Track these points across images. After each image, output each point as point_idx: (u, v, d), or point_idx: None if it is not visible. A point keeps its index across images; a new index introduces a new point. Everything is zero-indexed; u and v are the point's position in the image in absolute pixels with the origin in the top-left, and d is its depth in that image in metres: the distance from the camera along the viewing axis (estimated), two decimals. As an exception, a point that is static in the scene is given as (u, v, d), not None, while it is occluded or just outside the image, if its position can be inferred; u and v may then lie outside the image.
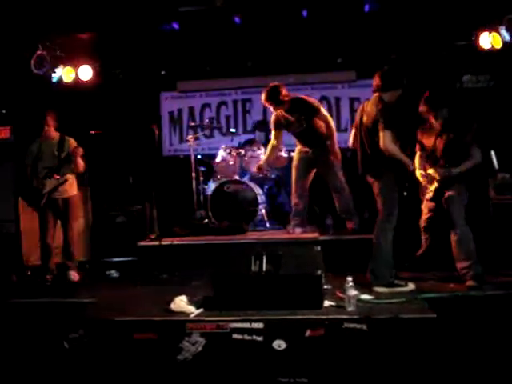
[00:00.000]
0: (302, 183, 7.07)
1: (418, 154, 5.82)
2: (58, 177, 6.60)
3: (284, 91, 6.74)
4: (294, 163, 7.16)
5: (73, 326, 4.66)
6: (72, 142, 6.80)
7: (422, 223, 5.99)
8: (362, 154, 5.57)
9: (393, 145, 5.23)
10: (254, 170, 7.60)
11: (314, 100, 7.00)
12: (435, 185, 5.56)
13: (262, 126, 8.67)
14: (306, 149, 7.00)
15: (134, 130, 8.73)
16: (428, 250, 6.04)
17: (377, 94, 5.44)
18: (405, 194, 5.63)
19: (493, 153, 6.96)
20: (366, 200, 6.39)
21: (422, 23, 7.61)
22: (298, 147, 7.16)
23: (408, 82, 5.48)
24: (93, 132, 6.91)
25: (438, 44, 7.84)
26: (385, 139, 5.22)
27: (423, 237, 6.03)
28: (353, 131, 5.85)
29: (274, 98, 6.75)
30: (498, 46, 7.21)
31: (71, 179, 6.79)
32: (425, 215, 5.93)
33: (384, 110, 5.28)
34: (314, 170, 7.06)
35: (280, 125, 7.09)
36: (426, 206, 5.90)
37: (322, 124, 6.88)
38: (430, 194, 5.68)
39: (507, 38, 7.12)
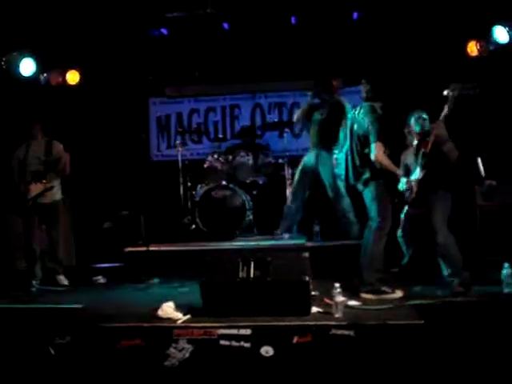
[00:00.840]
0: (301, 189, 7.13)
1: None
2: (44, 182, 6.57)
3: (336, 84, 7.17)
4: (299, 168, 7.27)
5: (59, 332, 4.62)
6: (59, 148, 6.77)
7: (400, 233, 6.02)
8: (353, 163, 5.58)
9: (384, 156, 5.25)
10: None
11: (347, 106, 7.04)
12: (415, 189, 5.55)
13: (248, 131, 8.67)
14: (314, 152, 7.04)
15: (122, 134, 8.70)
16: (413, 258, 6.07)
17: (368, 103, 5.45)
18: (396, 200, 5.64)
19: (479, 160, 7.00)
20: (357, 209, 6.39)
21: (409, 31, 7.66)
22: (308, 153, 7.28)
23: (395, 90, 5.52)
24: (81, 137, 6.83)
25: (425, 51, 7.89)
26: (376, 151, 5.23)
27: (403, 247, 6.06)
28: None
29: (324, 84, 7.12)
30: (485, 53, 7.26)
31: (57, 184, 6.76)
32: (403, 224, 5.98)
33: (376, 121, 5.30)
34: (316, 181, 7.10)
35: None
36: (405, 215, 5.95)
37: (341, 130, 6.99)
38: (412, 197, 5.67)
39: (493, 45, 7.18)
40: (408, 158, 5.89)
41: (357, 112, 5.57)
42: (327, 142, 7.07)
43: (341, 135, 7.02)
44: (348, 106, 7.05)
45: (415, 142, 5.75)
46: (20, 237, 7.02)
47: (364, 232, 5.63)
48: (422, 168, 5.46)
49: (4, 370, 4.69)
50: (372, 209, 5.42)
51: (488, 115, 7.78)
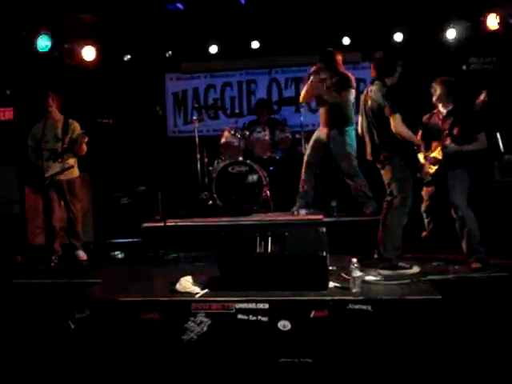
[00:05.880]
0: (313, 164, 7.09)
1: (419, 135, 5.80)
2: (61, 161, 6.62)
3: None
4: (310, 143, 7.21)
5: (78, 306, 4.67)
6: (77, 127, 6.81)
7: (423, 208, 6.01)
8: (371, 141, 5.53)
9: (404, 127, 5.22)
10: None
11: (351, 78, 6.97)
12: (436, 167, 5.53)
13: (264, 104, 8.66)
14: (325, 130, 7.00)
15: (139, 111, 8.70)
16: (432, 232, 6.05)
17: (378, 81, 5.44)
18: (418, 175, 5.59)
19: (498, 135, 6.93)
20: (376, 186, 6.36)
21: (428, 4, 7.54)
22: (319, 128, 7.18)
23: (413, 65, 5.47)
24: (101, 120, 6.80)
25: (444, 25, 7.79)
26: (395, 123, 5.19)
27: (425, 220, 6.05)
28: (360, 119, 5.82)
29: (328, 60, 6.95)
30: (505, 27, 7.14)
31: (74, 162, 6.81)
32: (425, 202, 5.96)
33: (388, 94, 5.27)
34: (328, 156, 7.07)
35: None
36: (425, 193, 5.92)
37: (348, 104, 6.91)
38: (428, 178, 5.65)
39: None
40: (432, 124, 5.80)
41: (369, 89, 5.54)
42: (337, 119, 6.96)
43: (348, 112, 6.98)
44: (352, 78, 6.97)
45: (442, 110, 5.67)
46: (39, 213, 7.09)
47: (382, 208, 5.61)
48: (442, 149, 5.44)
49: (24, 345, 4.77)
50: (393, 186, 5.39)
51: (508, 90, 7.69)
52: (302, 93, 7.26)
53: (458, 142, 5.38)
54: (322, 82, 7.03)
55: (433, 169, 5.57)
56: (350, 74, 6.99)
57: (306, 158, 7.18)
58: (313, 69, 7.06)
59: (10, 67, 7.76)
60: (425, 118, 5.88)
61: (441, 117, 5.68)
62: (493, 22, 7.21)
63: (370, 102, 5.49)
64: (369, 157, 5.60)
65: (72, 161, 6.77)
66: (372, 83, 5.56)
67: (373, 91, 5.45)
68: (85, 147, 6.75)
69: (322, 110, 7.14)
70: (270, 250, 4.73)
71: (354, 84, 6.96)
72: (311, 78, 7.03)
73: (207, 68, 9.28)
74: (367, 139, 5.59)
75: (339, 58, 6.97)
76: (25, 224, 7.57)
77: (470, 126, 5.46)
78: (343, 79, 6.90)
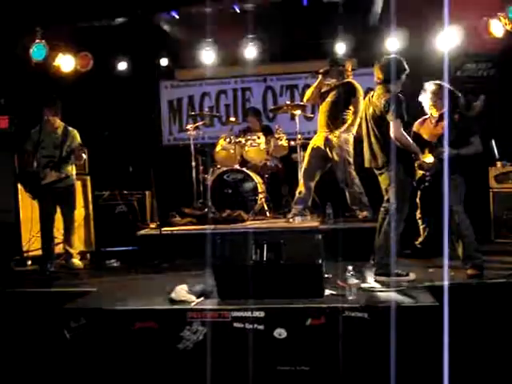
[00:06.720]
0: (311, 172, 7.10)
1: None
2: (59, 170, 6.61)
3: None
4: (308, 151, 7.23)
5: (74, 315, 4.65)
6: (76, 136, 6.80)
7: (418, 214, 6.01)
8: (369, 148, 5.52)
9: (403, 134, 5.18)
10: None
11: (359, 87, 7.04)
12: (431, 172, 5.53)
13: (254, 112, 8.69)
14: (322, 134, 7.03)
15: (134, 119, 8.69)
16: (428, 239, 6.05)
17: (381, 86, 5.41)
18: (415, 184, 5.59)
19: (493, 141, 6.95)
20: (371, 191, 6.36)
21: (423, 9, 7.55)
22: (316, 135, 7.23)
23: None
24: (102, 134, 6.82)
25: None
26: (395, 129, 5.16)
27: (421, 226, 6.05)
28: (357, 121, 5.84)
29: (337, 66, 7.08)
30: (500, 33, 7.16)
31: (71, 171, 6.80)
32: (420, 208, 5.96)
33: (391, 100, 5.21)
34: (326, 163, 7.08)
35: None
36: (420, 199, 5.92)
37: (350, 111, 6.96)
38: (424, 184, 5.66)
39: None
40: (425, 130, 5.81)
41: (371, 95, 5.52)
42: (336, 123, 7.00)
43: (347, 118, 7.00)
44: (360, 88, 7.01)
45: (435, 114, 5.68)
46: (33, 221, 7.06)
47: (379, 215, 5.60)
48: (437, 155, 5.44)
49: (19, 354, 4.74)
50: (390, 192, 5.37)
51: (502, 96, 7.71)
52: (307, 93, 7.34)
53: (453, 146, 5.38)
54: (327, 86, 7.10)
55: (428, 175, 5.57)
56: (357, 84, 7.04)
57: (304, 165, 7.20)
58: (321, 70, 7.12)
59: (5, 76, 7.75)
60: (416, 124, 5.90)
61: (433, 121, 5.70)
62: (487, 27, 7.22)
63: (371, 108, 5.45)
64: (366, 164, 5.59)
65: (69, 169, 6.76)
66: (374, 89, 5.55)
67: (375, 96, 5.43)
68: (83, 156, 6.76)
69: (320, 114, 7.18)
70: (265, 258, 4.72)
71: (361, 93, 6.97)
72: (318, 78, 7.12)
73: (202, 76, 9.28)
74: (365, 146, 5.57)
75: (349, 66, 7.04)
76: (20, 233, 7.53)
77: (464, 130, 5.47)
78: (350, 88, 6.97)
